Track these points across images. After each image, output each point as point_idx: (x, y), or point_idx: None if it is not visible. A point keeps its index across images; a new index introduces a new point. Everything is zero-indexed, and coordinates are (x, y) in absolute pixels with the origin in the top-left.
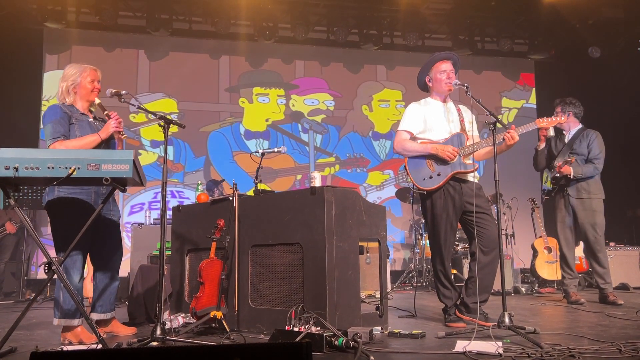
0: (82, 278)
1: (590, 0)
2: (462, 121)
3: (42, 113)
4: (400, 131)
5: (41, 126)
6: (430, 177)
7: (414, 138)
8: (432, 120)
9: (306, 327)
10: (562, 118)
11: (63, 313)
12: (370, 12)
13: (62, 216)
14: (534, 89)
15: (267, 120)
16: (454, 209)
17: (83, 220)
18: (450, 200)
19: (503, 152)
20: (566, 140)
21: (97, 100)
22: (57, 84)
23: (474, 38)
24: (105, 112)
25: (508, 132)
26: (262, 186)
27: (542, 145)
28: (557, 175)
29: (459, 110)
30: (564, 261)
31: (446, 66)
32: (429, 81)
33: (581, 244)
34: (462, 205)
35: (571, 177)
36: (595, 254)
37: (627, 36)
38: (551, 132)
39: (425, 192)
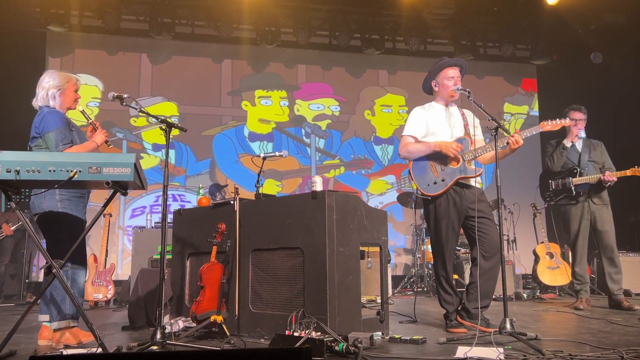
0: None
1: (592, 6)
2: (466, 125)
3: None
4: (405, 136)
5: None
6: (435, 183)
7: (418, 143)
8: (434, 124)
9: (306, 332)
10: (567, 121)
11: (62, 316)
12: (372, 17)
13: (70, 223)
14: (535, 95)
15: (270, 122)
16: (457, 214)
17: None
18: (452, 205)
19: (507, 156)
20: (579, 148)
21: (80, 108)
22: None
23: (476, 43)
24: (90, 121)
25: (512, 136)
26: (271, 184)
27: (570, 143)
28: (609, 184)
29: (463, 114)
30: (575, 268)
31: (454, 72)
32: (435, 85)
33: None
34: (465, 210)
35: (610, 184)
36: (614, 259)
37: (629, 42)
38: (582, 134)
39: (430, 198)
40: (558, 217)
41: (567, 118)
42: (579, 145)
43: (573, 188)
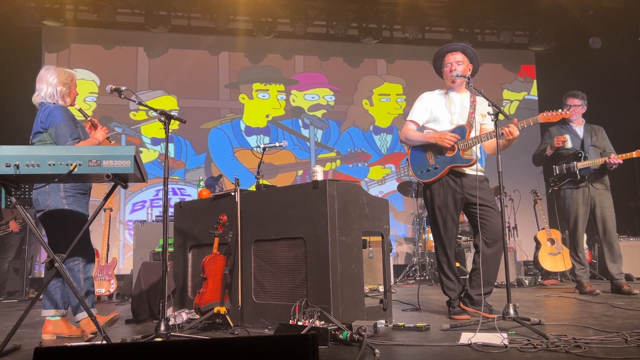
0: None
1: None
2: (471, 113)
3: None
4: (407, 121)
5: None
6: (428, 170)
7: (421, 128)
8: (436, 111)
9: (310, 321)
10: (568, 112)
11: (75, 308)
12: (369, 6)
13: (76, 220)
14: (534, 81)
15: (267, 116)
16: (454, 202)
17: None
18: (450, 193)
19: (506, 147)
20: (580, 134)
21: (78, 105)
22: None
23: (474, 30)
24: (89, 118)
25: (508, 127)
26: (264, 182)
27: (551, 152)
28: (613, 166)
29: (473, 102)
30: (578, 253)
31: (453, 58)
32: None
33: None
34: (464, 198)
35: (614, 167)
36: (613, 244)
37: (627, 26)
38: (568, 144)
39: (423, 184)
40: (560, 202)
41: (565, 106)
42: (580, 130)
43: (578, 172)
